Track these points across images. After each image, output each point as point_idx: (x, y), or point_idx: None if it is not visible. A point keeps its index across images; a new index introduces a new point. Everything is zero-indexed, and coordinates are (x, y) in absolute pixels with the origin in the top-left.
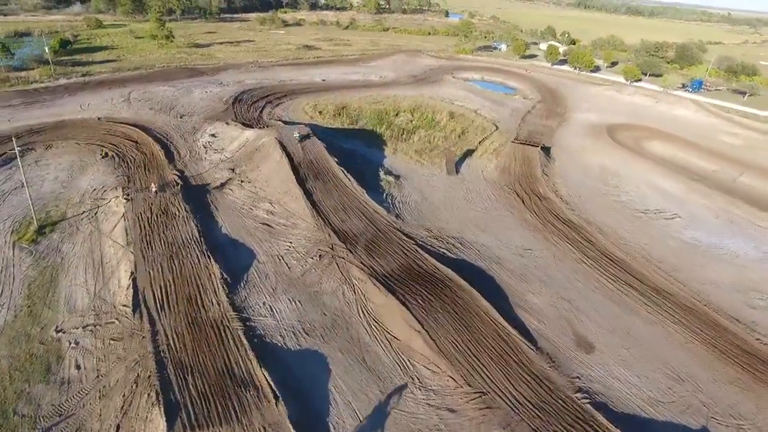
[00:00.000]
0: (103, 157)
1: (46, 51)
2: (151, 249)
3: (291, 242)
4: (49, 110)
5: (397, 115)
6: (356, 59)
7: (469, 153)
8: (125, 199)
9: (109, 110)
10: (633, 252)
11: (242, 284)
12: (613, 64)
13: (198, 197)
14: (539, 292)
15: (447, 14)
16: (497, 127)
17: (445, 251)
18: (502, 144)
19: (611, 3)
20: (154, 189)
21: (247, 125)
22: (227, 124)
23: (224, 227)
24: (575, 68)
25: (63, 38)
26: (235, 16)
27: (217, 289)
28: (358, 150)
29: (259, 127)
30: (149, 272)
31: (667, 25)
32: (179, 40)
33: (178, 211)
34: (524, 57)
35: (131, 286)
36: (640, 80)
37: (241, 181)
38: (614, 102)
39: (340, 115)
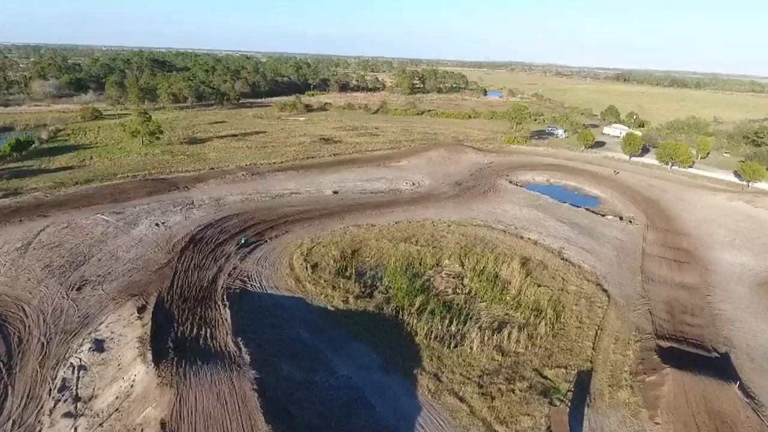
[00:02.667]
0: None
1: None
2: None
3: None
4: None
5: (437, 264)
6: (383, 156)
7: (582, 383)
8: None
9: None
10: None
11: None
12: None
13: None
14: None
15: (485, 93)
16: (608, 294)
17: None
18: (639, 350)
19: (652, 75)
20: None
21: (168, 331)
22: (137, 316)
23: None
24: (665, 163)
25: (21, 139)
26: (257, 101)
27: None
28: (366, 390)
29: (176, 352)
30: None
31: (724, 98)
32: (176, 134)
33: None
34: (590, 146)
35: None
36: (760, 180)
37: None
38: (760, 224)
39: (345, 271)
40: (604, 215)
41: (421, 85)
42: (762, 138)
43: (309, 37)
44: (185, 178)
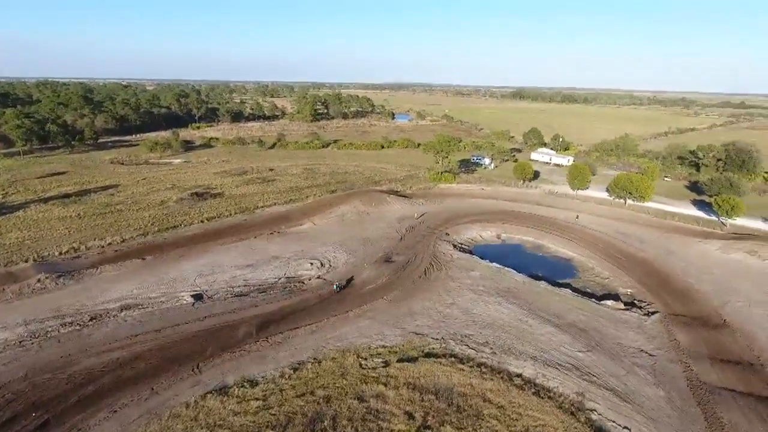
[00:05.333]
0: None
1: None
2: None
3: None
4: None
5: None
6: (278, 217)
7: None
8: None
9: None
10: None
11: None
12: None
13: None
14: None
15: (393, 116)
16: None
17: None
18: None
19: (542, 92)
20: None
21: None
22: None
23: None
24: (619, 198)
25: None
26: (124, 139)
27: None
28: None
29: None
30: None
31: (615, 113)
32: None
33: None
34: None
35: None
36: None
37: None
38: None
39: None
40: (599, 299)
41: (325, 111)
42: (702, 159)
43: (205, 62)
44: None
